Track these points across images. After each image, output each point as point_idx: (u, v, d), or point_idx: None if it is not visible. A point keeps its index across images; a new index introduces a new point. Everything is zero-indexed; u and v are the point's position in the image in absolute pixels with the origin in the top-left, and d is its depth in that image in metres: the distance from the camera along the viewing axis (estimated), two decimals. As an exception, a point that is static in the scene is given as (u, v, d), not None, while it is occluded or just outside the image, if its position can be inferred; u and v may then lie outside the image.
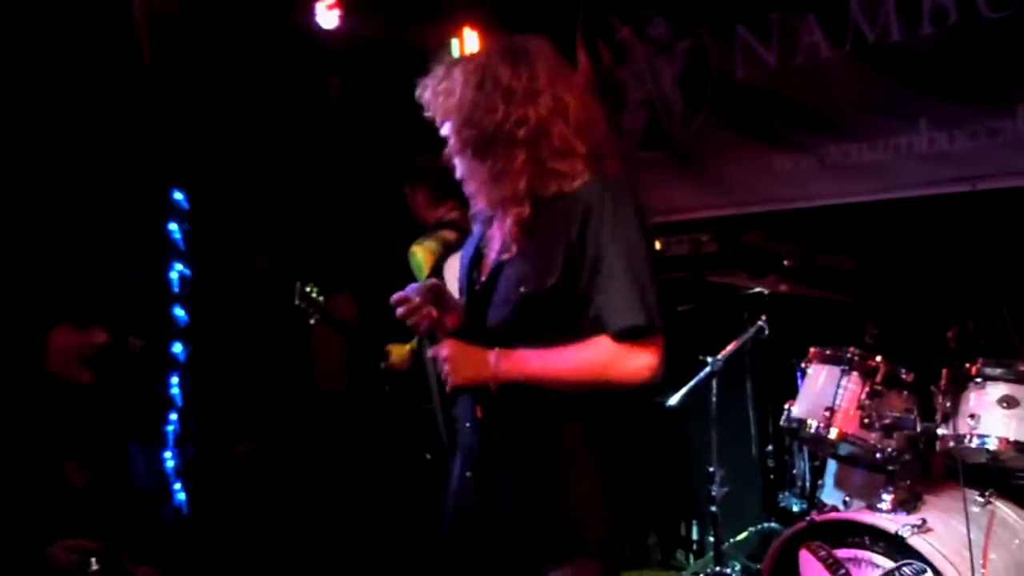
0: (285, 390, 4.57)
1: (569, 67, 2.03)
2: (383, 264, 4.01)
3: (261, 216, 4.56)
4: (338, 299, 4.33)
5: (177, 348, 4.19)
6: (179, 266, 4.22)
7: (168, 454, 4.14)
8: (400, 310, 2.01)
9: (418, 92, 2.00)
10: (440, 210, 3.83)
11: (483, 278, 2.03)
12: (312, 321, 3.55)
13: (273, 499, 4.33)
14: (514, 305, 1.93)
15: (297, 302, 3.53)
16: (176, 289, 4.21)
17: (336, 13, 4.43)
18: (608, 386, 1.90)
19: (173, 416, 4.19)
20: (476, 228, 2.14)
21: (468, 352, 1.95)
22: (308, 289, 3.54)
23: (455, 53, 4.75)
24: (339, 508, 4.44)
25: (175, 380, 4.19)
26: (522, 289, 1.90)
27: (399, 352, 3.71)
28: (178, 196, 4.23)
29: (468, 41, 5.09)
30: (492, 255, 2.02)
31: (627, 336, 1.86)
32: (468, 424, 2.04)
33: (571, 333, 1.90)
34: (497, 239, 2.01)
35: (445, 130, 1.98)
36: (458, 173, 2.02)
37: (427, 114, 2.00)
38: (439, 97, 1.95)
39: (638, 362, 1.87)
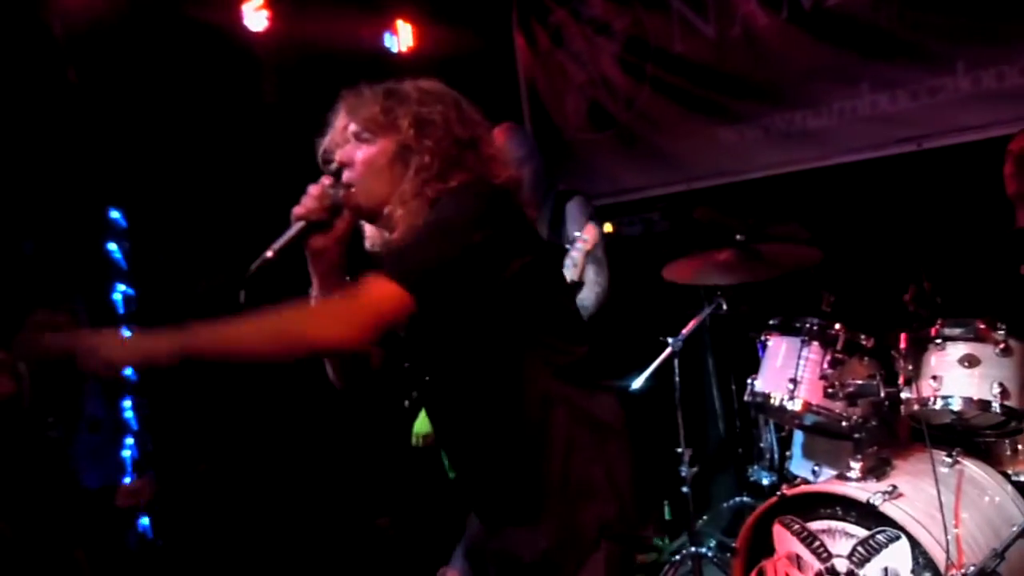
0: (245, 402, 4.45)
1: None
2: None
3: (204, 228, 4.43)
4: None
5: (128, 370, 4.08)
6: (122, 287, 4.11)
7: (128, 479, 4.03)
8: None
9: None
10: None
11: None
12: None
13: (241, 514, 4.23)
14: None
15: None
16: (121, 310, 4.10)
17: (264, 14, 4.31)
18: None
19: (129, 441, 4.09)
20: None
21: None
22: None
23: (392, 48, 4.67)
24: (310, 516, 4.35)
25: (128, 404, 4.08)
26: None
27: None
28: (115, 215, 4.11)
29: (402, 34, 5.00)
30: None
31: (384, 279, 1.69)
32: None
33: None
34: None
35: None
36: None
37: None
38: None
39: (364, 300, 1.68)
